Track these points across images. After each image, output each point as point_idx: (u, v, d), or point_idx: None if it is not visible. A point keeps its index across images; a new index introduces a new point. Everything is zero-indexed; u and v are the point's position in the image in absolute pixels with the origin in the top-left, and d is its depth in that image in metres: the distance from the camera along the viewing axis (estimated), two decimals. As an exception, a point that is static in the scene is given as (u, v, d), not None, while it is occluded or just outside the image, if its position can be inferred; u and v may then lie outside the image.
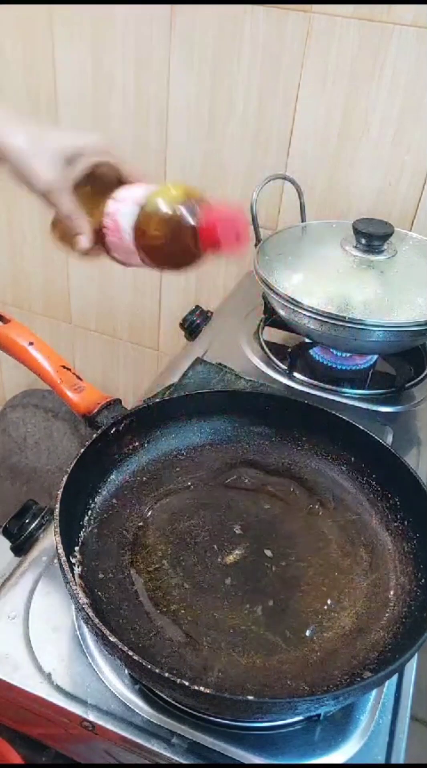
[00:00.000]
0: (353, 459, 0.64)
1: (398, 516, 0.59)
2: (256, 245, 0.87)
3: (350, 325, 0.73)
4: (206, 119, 1.04)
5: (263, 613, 0.52)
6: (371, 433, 0.62)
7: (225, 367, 0.81)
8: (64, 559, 0.47)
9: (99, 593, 0.51)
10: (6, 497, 1.46)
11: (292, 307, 0.76)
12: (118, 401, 0.64)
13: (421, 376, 0.85)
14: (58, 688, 0.49)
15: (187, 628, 0.50)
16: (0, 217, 1.34)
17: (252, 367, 0.84)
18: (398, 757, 0.47)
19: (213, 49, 0.98)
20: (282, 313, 0.80)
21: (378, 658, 0.49)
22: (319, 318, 0.74)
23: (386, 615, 0.52)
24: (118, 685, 0.49)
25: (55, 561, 0.57)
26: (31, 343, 0.66)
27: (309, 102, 0.96)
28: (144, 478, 0.63)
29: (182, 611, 0.51)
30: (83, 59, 1.08)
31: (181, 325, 0.99)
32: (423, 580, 0.54)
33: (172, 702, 0.48)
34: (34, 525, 0.60)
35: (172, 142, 1.09)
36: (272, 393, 0.75)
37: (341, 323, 0.73)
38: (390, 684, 0.51)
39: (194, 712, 0.47)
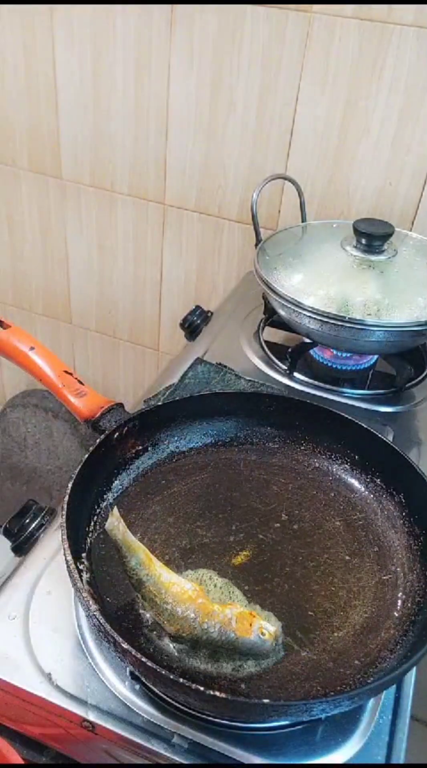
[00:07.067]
0: (356, 457, 0.64)
1: (404, 513, 0.60)
2: (256, 245, 0.87)
3: (350, 325, 0.73)
4: (206, 119, 1.04)
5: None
6: (374, 432, 0.62)
7: (225, 367, 0.81)
8: (72, 566, 0.47)
9: (108, 599, 0.51)
10: (6, 497, 1.46)
11: (292, 307, 0.76)
12: (120, 405, 0.64)
13: (421, 376, 0.85)
14: (58, 688, 0.49)
15: None
16: (0, 217, 1.34)
17: (252, 367, 0.84)
18: (398, 757, 0.47)
19: (213, 49, 0.98)
20: (282, 313, 0.80)
21: (391, 656, 0.49)
22: (319, 318, 0.74)
23: (396, 613, 0.52)
24: (118, 685, 0.49)
25: (55, 561, 0.57)
26: (32, 348, 0.66)
27: (309, 102, 0.96)
28: (148, 482, 0.63)
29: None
30: (83, 59, 1.08)
31: (182, 325, 0.99)
32: None
33: (175, 703, 0.48)
34: (34, 525, 0.60)
35: (172, 142, 1.09)
36: (274, 393, 0.75)
37: (341, 323, 0.73)
38: (390, 684, 0.51)
39: (194, 713, 0.47)
